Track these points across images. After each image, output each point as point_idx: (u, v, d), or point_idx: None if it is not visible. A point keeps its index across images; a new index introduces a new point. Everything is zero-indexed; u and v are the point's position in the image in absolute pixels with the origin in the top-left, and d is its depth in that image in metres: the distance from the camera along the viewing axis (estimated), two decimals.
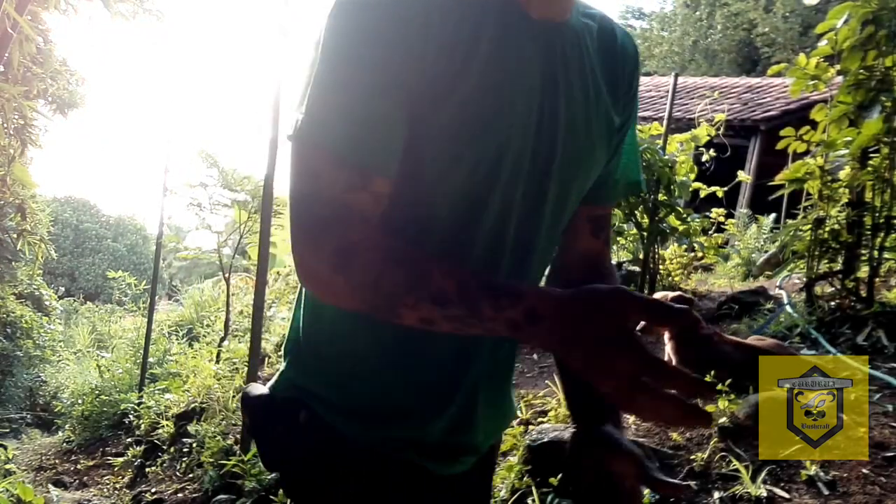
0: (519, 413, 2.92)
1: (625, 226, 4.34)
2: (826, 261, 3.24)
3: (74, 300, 14.13)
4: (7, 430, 6.50)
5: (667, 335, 2.48)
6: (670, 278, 4.57)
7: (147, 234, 20.55)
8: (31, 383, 8.24)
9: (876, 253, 3.02)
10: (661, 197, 4.17)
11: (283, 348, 0.92)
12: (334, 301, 0.75)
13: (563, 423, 2.67)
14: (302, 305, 0.89)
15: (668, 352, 2.55)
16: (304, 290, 0.88)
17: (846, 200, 3.14)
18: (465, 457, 0.92)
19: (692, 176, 4.38)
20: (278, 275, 8.61)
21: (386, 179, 0.72)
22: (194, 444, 3.62)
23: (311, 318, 0.87)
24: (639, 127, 4.49)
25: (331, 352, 0.85)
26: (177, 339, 7.03)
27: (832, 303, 3.20)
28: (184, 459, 3.69)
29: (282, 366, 0.90)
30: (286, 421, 0.86)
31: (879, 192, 2.97)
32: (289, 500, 0.75)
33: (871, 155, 2.97)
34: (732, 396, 2.42)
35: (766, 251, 5.56)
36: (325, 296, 0.75)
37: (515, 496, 2.28)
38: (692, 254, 5.03)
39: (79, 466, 5.17)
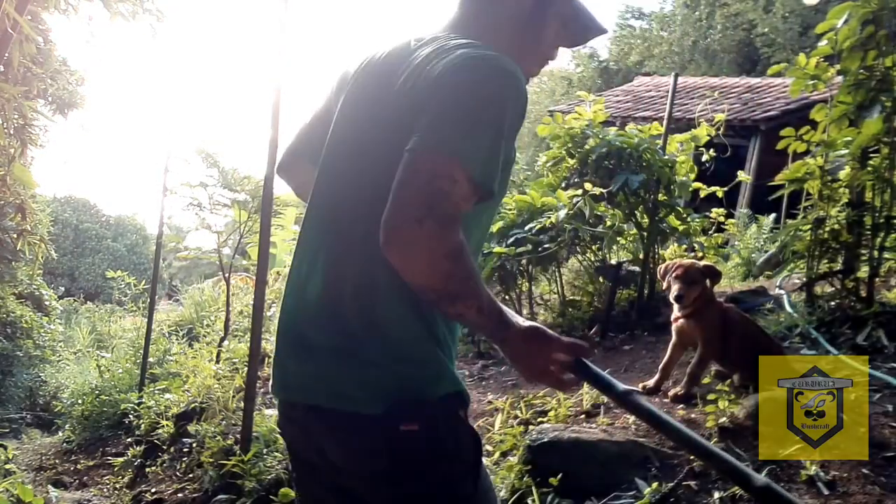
0: (519, 413, 2.91)
1: (625, 226, 4.33)
2: (826, 261, 3.24)
3: (74, 300, 14.13)
4: (7, 430, 6.50)
5: None
6: None
7: (147, 234, 20.53)
8: (31, 383, 8.23)
9: (876, 253, 3.02)
10: (661, 197, 4.17)
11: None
12: (423, 280, 0.96)
13: (563, 423, 2.67)
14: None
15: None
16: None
17: (846, 200, 3.13)
18: None
19: (692, 176, 4.37)
20: (278, 275, 8.60)
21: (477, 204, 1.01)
22: (194, 444, 3.61)
23: None
24: (639, 127, 4.50)
25: None
26: (177, 339, 7.03)
27: (832, 303, 3.20)
28: (184, 459, 3.68)
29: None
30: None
31: (879, 192, 2.97)
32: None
33: (871, 155, 2.97)
34: (732, 396, 2.42)
35: (766, 251, 5.56)
36: (424, 270, 0.95)
37: (515, 496, 2.28)
38: (692, 254, 5.03)
39: (79, 466, 5.17)
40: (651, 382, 2.89)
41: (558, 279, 4.69)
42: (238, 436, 3.24)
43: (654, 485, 2.11)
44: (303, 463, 1.20)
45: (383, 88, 1.09)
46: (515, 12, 1.18)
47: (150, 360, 5.93)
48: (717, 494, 2.04)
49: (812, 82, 3.15)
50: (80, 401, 5.96)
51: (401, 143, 0.98)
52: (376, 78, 1.13)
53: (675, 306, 2.76)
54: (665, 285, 2.82)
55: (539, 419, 2.79)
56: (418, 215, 0.90)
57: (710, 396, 2.47)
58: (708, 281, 2.73)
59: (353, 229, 1.07)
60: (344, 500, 1.12)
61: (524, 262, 4.36)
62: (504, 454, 2.57)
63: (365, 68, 1.18)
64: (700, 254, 4.94)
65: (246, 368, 3.33)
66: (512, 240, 4.30)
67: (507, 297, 4.53)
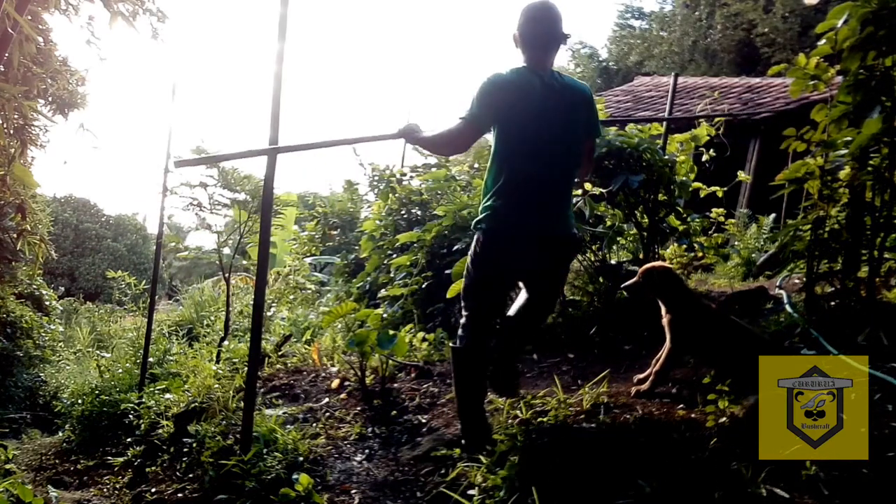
0: (519, 413, 2.92)
1: (625, 226, 4.33)
2: (826, 261, 3.24)
3: (74, 300, 14.13)
4: (7, 430, 6.50)
5: None
6: None
7: (147, 234, 20.55)
8: (31, 383, 8.23)
9: (876, 253, 3.02)
10: (661, 197, 4.17)
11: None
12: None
13: (563, 423, 2.67)
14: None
15: None
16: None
17: (846, 200, 3.13)
18: None
19: (692, 176, 4.37)
20: (278, 275, 8.61)
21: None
22: (194, 444, 3.61)
23: None
24: (639, 127, 4.50)
25: None
26: (177, 339, 7.03)
27: (832, 303, 3.20)
28: (184, 459, 3.68)
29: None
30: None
31: (879, 192, 2.96)
32: None
33: (871, 155, 2.97)
34: (732, 396, 2.42)
35: (766, 251, 5.56)
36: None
37: (515, 496, 2.28)
38: (692, 254, 5.03)
39: (79, 466, 5.16)
40: (645, 386, 2.90)
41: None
42: (238, 436, 3.24)
43: (654, 485, 2.11)
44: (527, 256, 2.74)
45: (569, 103, 2.73)
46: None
47: (150, 360, 5.93)
48: (716, 494, 2.04)
49: (812, 82, 3.14)
50: (80, 401, 5.95)
51: (582, 129, 2.80)
52: (561, 96, 2.70)
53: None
54: None
55: (539, 419, 2.79)
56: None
57: (711, 396, 2.47)
58: (666, 280, 2.87)
59: (562, 164, 2.74)
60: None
61: None
62: (504, 454, 2.57)
63: (549, 93, 2.67)
64: (700, 254, 4.94)
65: (246, 368, 3.33)
66: None
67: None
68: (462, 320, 2.84)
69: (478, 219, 2.76)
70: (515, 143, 2.66)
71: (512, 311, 3.00)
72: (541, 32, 2.65)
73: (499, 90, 2.63)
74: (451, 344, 3.04)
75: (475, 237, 2.79)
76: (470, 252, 2.82)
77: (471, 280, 2.80)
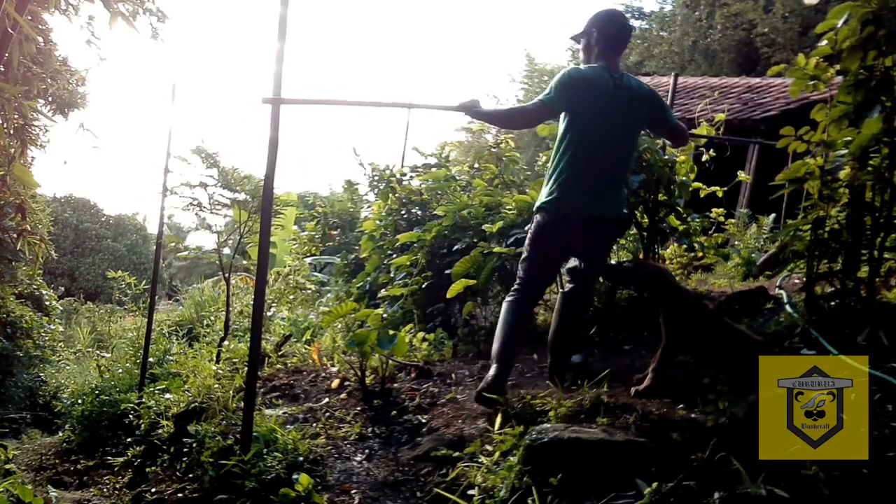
0: (519, 413, 2.91)
1: None
2: (826, 261, 3.23)
3: (74, 300, 14.13)
4: (7, 430, 6.50)
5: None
6: None
7: (147, 234, 20.55)
8: (31, 383, 8.23)
9: (876, 253, 3.01)
10: (661, 197, 4.17)
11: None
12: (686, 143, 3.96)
13: (563, 423, 2.67)
14: None
15: None
16: None
17: (846, 200, 3.13)
18: None
19: (692, 176, 4.37)
20: (278, 275, 8.61)
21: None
22: (194, 444, 3.61)
23: None
24: None
25: None
26: (177, 339, 7.03)
27: (832, 303, 3.19)
28: (184, 459, 3.68)
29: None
30: None
31: (879, 192, 2.96)
32: None
33: (871, 155, 2.97)
34: (732, 397, 2.42)
35: (766, 251, 5.55)
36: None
37: (515, 496, 2.28)
38: (692, 254, 5.03)
39: (79, 466, 5.17)
40: (644, 385, 2.91)
41: (558, 279, 4.68)
42: (238, 436, 3.24)
43: (654, 485, 2.11)
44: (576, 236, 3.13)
45: (632, 101, 3.12)
46: None
47: (150, 360, 5.93)
48: (717, 494, 2.04)
49: (812, 82, 3.14)
50: (80, 401, 5.95)
51: (644, 123, 3.32)
52: (626, 95, 3.08)
53: None
54: None
55: (539, 419, 2.79)
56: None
57: (711, 396, 2.47)
58: (657, 276, 2.96)
59: (621, 154, 3.17)
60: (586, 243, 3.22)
61: None
62: (504, 454, 2.57)
63: (617, 92, 3.05)
64: (700, 254, 4.94)
65: (246, 368, 3.33)
66: (512, 240, 4.30)
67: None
68: (515, 286, 3.24)
69: (542, 201, 3.12)
70: (583, 133, 3.03)
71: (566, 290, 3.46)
72: (614, 37, 3.15)
73: (577, 82, 3.02)
74: (503, 299, 3.33)
75: (537, 217, 3.17)
76: (531, 230, 3.20)
77: (530, 255, 3.18)
